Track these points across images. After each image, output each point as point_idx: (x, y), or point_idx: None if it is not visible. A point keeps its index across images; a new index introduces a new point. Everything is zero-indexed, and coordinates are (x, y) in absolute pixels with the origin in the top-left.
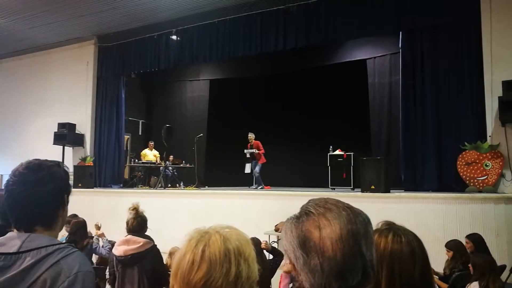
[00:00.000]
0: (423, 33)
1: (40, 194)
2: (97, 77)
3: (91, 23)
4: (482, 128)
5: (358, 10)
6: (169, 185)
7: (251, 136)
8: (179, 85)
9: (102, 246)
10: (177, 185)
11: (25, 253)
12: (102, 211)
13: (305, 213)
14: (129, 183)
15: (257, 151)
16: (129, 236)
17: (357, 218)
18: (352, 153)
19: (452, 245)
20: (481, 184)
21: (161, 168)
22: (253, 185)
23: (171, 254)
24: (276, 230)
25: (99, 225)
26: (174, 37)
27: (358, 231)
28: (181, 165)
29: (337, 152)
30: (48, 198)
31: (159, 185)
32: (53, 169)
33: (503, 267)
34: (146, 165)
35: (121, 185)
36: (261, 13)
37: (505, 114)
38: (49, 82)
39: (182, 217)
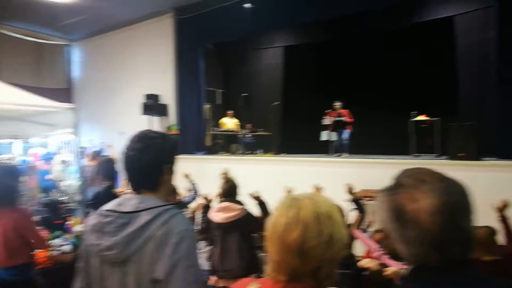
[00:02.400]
0: None
1: (142, 161)
2: (177, 50)
3: None
4: None
5: None
6: (249, 151)
7: (338, 104)
8: (254, 54)
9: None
10: (256, 152)
11: (141, 212)
12: None
13: (399, 184)
14: (212, 150)
15: (347, 119)
16: (226, 204)
17: (453, 189)
18: (438, 119)
19: None
20: None
21: (240, 135)
22: (335, 152)
23: None
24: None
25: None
26: (247, 5)
27: (454, 202)
28: (259, 133)
29: (421, 117)
30: (149, 165)
31: (239, 152)
32: (155, 140)
33: None
34: (226, 133)
35: (204, 152)
36: None
37: None
38: (133, 57)
39: (262, 182)
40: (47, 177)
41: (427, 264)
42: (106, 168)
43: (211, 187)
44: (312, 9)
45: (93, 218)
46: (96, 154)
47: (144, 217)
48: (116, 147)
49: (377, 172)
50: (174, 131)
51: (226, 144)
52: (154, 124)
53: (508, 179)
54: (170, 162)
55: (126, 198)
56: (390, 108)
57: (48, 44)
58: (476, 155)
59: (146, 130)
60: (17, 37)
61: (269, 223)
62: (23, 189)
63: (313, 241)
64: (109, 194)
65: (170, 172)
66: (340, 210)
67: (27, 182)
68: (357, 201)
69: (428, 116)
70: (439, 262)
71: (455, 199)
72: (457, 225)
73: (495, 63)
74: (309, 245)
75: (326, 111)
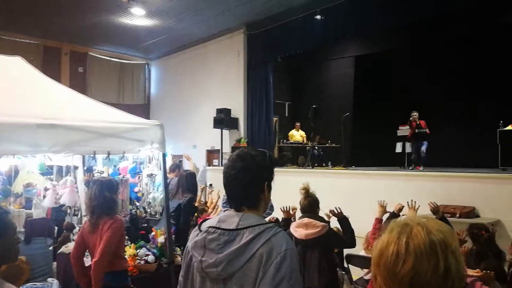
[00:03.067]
0: None
1: (244, 179)
2: (247, 65)
3: (239, 14)
4: None
5: None
6: (316, 164)
7: (415, 114)
8: (323, 65)
9: None
10: (324, 164)
11: (243, 230)
12: None
13: None
14: (279, 163)
15: (426, 130)
16: (307, 220)
17: None
18: None
19: None
20: None
21: (307, 148)
22: (409, 165)
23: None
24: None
25: None
26: (318, 16)
27: None
28: (327, 145)
29: (510, 127)
30: (250, 183)
31: (307, 164)
32: (256, 158)
33: None
34: (294, 145)
35: None
36: None
37: None
38: (207, 72)
39: (331, 197)
40: (135, 190)
41: None
42: (187, 181)
43: (278, 200)
44: (383, 16)
45: (196, 234)
46: (175, 167)
47: (247, 235)
48: (193, 159)
49: (457, 186)
50: (243, 143)
51: (294, 156)
52: (225, 137)
53: None
54: (270, 180)
55: (228, 215)
56: (472, 117)
57: (129, 63)
58: None
59: (246, 148)
60: (104, 59)
61: (376, 249)
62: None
63: (428, 274)
64: (190, 206)
65: (269, 189)
66: (454, 237)
67: (119, 194)
68: (444, 218)
69: None
70: None
71: None
72: None
73: None
74: (423, 279)
75: (400, 121)
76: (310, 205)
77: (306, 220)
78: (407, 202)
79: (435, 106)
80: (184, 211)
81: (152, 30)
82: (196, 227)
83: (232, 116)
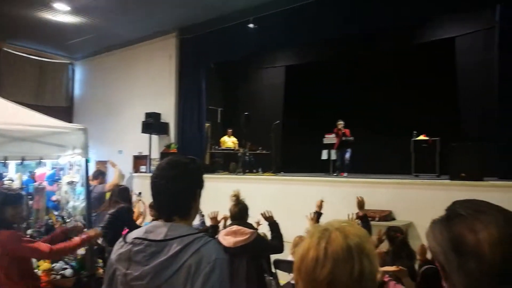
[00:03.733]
0: None
1: (176, 188)
2: (179, 69)
3: (172, 17)
4: None
5: None
6: (247, 170)
7: (341, 123)
8: (255, 73)
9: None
10: (255, 170)
11: (171, 240)
12: None
13: (455, 215)
14: (210, 169)
15: (351, 139)
16: (236, 227)
17: None
18: (438, 138)
19: None
20: None
21: (239, 154)
22: (335, 171)
23: (295, 244)
24: (358, 217)
25: None
26: (251, 25)
27: None
28: (258, 152)
29: (422, 137)
30: (183, 192)
31: (238, 171)
32: (189, 166)
33: None
34: (225, 151)
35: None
36: None
37: None
38: (137, 75)
39: (261, 202)
40: (53, 198)
41: None
42: (119, 193)
43: (209, 208)
44: (314, 29)
45: (121, 246)
46: (98, 174)
47: (175, 246)
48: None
49: (378, 191)
50: (173, 149)
51: (225, 162)
52: (154, 142)
53: (510, 199)
54: (201, 187)
55: (155, 225)
56: (390, 127)
57: (51, 62)
58: (480, 175)
59: (176, 157)
60: (21, 56)
61: (298, 254)
62: (28, 212)
63: (344, 278)
64: (126, 217)
65: (200, 197)
66: (370, 240)
67: (34, 203)
68: (366, 218)
69: (428, 136)
70: None
71: None
72: None
73: (496, 84)
74: (340, 283)
75: (326, 130)
76: (240, 212)
77: (235, 227)
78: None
79: (358, 116)
80: (119, 222)
81: (77, 28)
82: (121, 239)
83: (162, 121)
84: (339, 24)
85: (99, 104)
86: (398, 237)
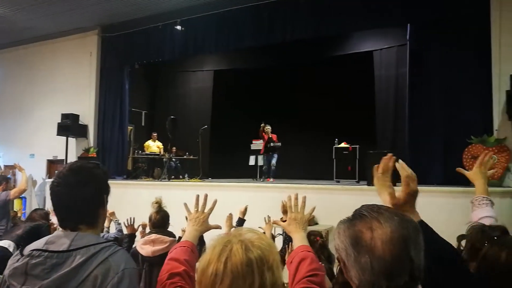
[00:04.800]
0: (431, 25)
1: (81, 195)
2: (101, 68)
3: (94, 13)
4: (489, 122)
5: (366, 1)
6: (173, 176)
7: (268, 127)
8: (182, 76)
9: (108, 230)
10: (181, 176)
11: (75, 251)
12: None
13: (358, 215)
14: (133, 175)
15: (279, 144)
16: (154, 236)
17: (409, 224)
18: (357, 146)
19: None
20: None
21: (164, 159)
22: (261, 177)
23: None
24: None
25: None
26: (178, 27)
27: (409, 235)
28: (185, 157)
29: (343, 145)
30: (89, 199)
31: (163, 177)
32: (93, 171)
33: None
34: (150, 156)
35: (125, 176)
36: (268, 3)
37: None
38: (53, 72)
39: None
40: None
41: None
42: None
43: (131, 215)
44: (241, 36)
45: (16, 260)
46: (2, 180)
47: (80, 257)
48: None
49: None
50: (92, 153)
51: (149, 168)
52: (71, 145)
53: (418, 202)
54: (108, 193)
55: (57, 235)
56: (314, 135)
57: None
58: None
59: (79, 162)
60: None
61: (199, 267)
62: None
63: None
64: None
65: (106, 203)
66: (273, 250)
67: None
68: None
69: (348, 143)
70: None
71: (409, 232)
72: (409, 257)
73: (406, 96)
74: None
75: (254, 136)
76: (161, 219)
77: (153, 236)
78: (264, 217)
79: (285, 123)
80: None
81: None
82: (17, 252)
83: (80, 122)
84: (261, 33)
85: (7, 103)
86: (317, 241)
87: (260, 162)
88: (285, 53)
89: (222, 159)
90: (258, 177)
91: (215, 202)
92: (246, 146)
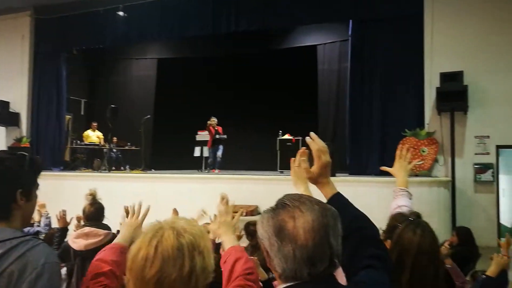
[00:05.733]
0: (371, 23)
1: None
2: (34, 52)
3: None
4: (421, 116)
5: None
6: (114, 168)
7: (214, 120)
8: (125, 64)
9: (39, 224)
10: (122, 168)
11: None
12: (41, 195)
13: (281, 205)
14: (71, 166)
15: (225, 136)
16: (88, 229)
17: (328, 212)
18: (300, 138)
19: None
20: (418, 169)
21: (104, 150)
22: (207, 168)
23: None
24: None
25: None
26: (121, 13)
27: (328, 223)
28: (126, 147)
29: (286, 136)
30: None
31: (103, 168)
32: (6, 162)
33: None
34: (89, 146)
35: (62, 167)
36: None
37: (441, 104)
38: None
39: (129, 202)
40: None
41: (299, 279)
42: None
43: (67, 208)
44: (187, 24)
45: None
46: None
47: None
48: None
49: (247, 187)
50: (25, 143)
51: (89, 159)
52: (1, 135)
53: (356, 192)
54: (27, 187)
55: None
56: (259, 126)
57: None
58: (332, 172)
59: None
60: None
61: (130, 254)
62: None
63: (172, 275)
64: None
65: (28, 198)
66: (205, 237)
67: None
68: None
69: (292, 135)
70: (310, 277)
71: (329, 220)
72: (329, 243)
73: (348, 90)
74: (167, 280)
75: (199, 126)
76: (96, 212)
77: (87, 229)
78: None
79: (230, 114)
80: None
81: None
82: None
83: (11, 110)
84: (206, 23)
85: None
86: (255, 231)
87: (206, 153)
88: (230, 44)
89: (166, 150)
90: (203, 169)
91: (147, 209)
92: (191, 137)
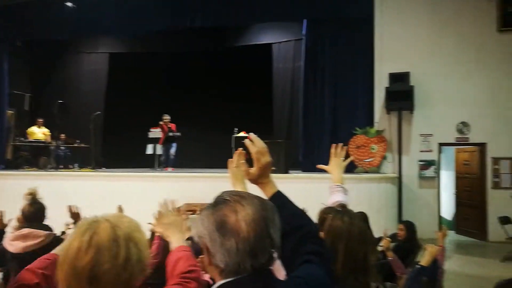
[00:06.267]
0: (325, 23)
1: None
2: None
3: None
4: (371, 115)
5: None
6: (62, 166)
7: (167, 117)
8: (74, 57)
9: None
10: (71, 166)
11: None
12: None
13: (222, 201)
14: (13, 164)
15: (179, 134)
16: (27, 230)
17: (267, 206)
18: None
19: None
20: (367, 166)
21: (51, 147)
22: (160, 166)
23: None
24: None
25: None
26: (69, 4)
27: (268, 216)
28: (75, 145)
29: (242, 134)
30: None
31: (50, 167)
32: None
33: (380, 239)
34: (34, 144)
35: (3, 166)
36: None
37: (390, 103)
38: None
39: (77, 202)
40: None
41: (241, 272)
42: None
43: (10, 210)
44: (140, 19)
45: None
46: None
47: None
48: None
49: (201, 185)
50: None
51: (34, 157)
52: None
53: (310, 188)
54: None
55: None
56: (214, 124)
57: None
58: (285, 169)
59: None
60: None
61: (63, 248)
62: None
63: (106, 265)
64: None
65: None
66: (141, 231)
67: None
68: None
69: (247, 133)
70: (252, 268)
71: (269, 213)
72: (269, 235)
73: (301, 89)
74: (101, 270)
75: (152, 124)
76: (36, 213)
77: (26, 231)
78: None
79: (184, 111)
80: None
81: None
82: None
83: None
84: (160, 17)
85: None
86: None
87: (159, 151)
88: (186, 40)
89: (117, 148)
90: (156, 167)
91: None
92: (143, 134)
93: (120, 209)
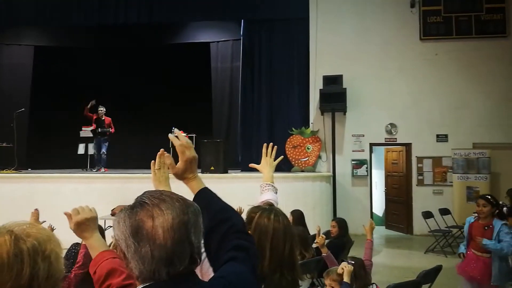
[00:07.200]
0: (262, 24)
1: None
2: None
3: None
4: (307, 116)
5: None
6: None
7: (102, 109)
8: None
9: None
10: None
11: None
12: None
13: (139, 203)
14: None
15: (110, 130)
16: None
17: (189, 209)
18: (194, 135)
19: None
20: (303, 165)
21: None
22: (89, 167)
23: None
24: (113, 214)
25: None
26: None
27: (189, 220)
28: None
29: (180, 133)
30: None
31: None
32: None
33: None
34: None
35: None
36: None
37: (324, 104)
38: None
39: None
40: None
41: (157, 280)
42: None
43: None
44: (68, 12)
45: None
46: None
47: None
48: None
49: (136, 186)
50: None
51: None
52: None
53: (249, 187)
54: None
55: None
56: (152, 123)
57: None
58: (224, 168)
59: None
60: None
61: None
62: None
63: (9, 284)
64: None
65: None
66: (55, 240)
67: None
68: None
69: (186, 132)
70: (169, 276)
71: (190, 217)
72: (189, 240)
73: (238, 89)
74: None
75: (84, 122)
76: None
77: None
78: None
79: (121, 109)
80: None
81: None
82: None
83: None
84: (92, 12)
85: None
86: None
87: (91, 150)
88: (120, 36)
89: (44, 147)
90: (88, 167)
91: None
92: (74, 133)
93: (36, 214)
